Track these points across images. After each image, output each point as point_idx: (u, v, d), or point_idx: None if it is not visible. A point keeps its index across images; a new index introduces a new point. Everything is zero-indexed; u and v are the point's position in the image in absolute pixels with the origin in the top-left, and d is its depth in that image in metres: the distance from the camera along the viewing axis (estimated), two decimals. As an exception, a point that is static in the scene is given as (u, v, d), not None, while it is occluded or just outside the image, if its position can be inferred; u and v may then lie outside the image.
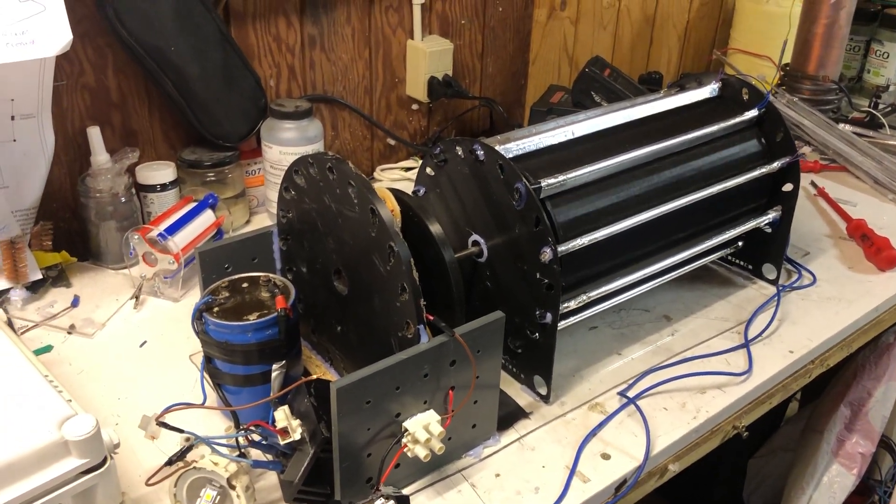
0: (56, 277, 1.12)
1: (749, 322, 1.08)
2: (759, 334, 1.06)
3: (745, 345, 1.04)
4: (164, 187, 1.20)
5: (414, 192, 1.00)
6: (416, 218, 0.87)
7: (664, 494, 1.83)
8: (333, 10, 1.33)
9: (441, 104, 1.54)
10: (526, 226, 0.87)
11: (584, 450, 0.87)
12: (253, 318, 0.82)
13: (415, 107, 1.52)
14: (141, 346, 1.02)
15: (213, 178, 1.23)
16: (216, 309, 0.84)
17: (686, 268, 1.10)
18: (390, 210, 0.81)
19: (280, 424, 0.75)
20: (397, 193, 0.87)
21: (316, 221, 0.87)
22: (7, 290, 1.06)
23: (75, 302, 1.08)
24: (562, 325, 0.97)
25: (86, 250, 1.18)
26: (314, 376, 0.75)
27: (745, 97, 1.10)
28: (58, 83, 1.09)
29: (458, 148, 0.93)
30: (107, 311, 1.07)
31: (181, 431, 0.74)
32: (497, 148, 0.90)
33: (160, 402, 0.81)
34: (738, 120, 1.07)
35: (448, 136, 1.47)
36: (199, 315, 0.84)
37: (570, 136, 0.99)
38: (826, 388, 1.40)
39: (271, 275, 0.88)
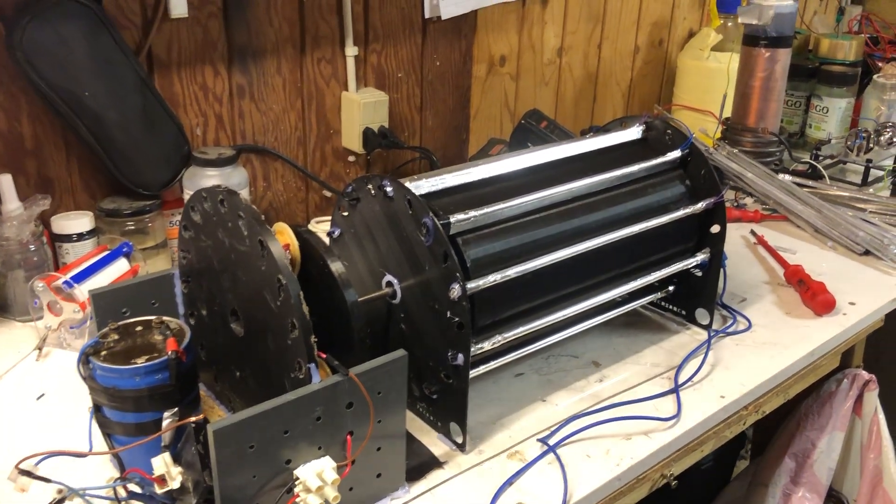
0: (-43, 329, 1.06)
1: (680, 367, 1.05)
2: (689, 379, 1.02)
3: (675, 390, 1.00)
4: (80, 237, 1.16)
5: (329, 234, 0.97)
6: (318, 258, 0.84)
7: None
8: (263, 61, 1.33)
9: (380, 156, 1.53)
10: (435, 262, 0.84)
11: (498, 500, 0.82)
12: (141, 362, 0.78)
13: (351, 158, 1.50)
14: (38, 398, 0.96)
15: (132, 228, 1.19)
16: (104, 352, 0.79)
17: (614, 312, 1.07)
18: (285, 245, 0.78)
19: (158, 472, 0.69)
20: (299, 231, 0.84)
21: (212, 259, 0.83)
22: None
23: (-27, 354, 1.03)
24: (482, 370, 0.94)
25: (-7, 302, 1.13)
26: (194, 418, 0.70)
27: (669, 139, 1.10)
28: (-34, 128, 1.07)
29: (369, 185, 0.90)
30: (6, 363, 1.02)
31: (48, 481, 0.69)
32: (407, 185, 0.88)
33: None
34: (660, 160, 1.06)
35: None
36: (85, 359, 0.79)
37: (487, 176, 0.97)
38: (771, 439, 1.36)
39: (166, 317, 0.83)
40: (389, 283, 0.91)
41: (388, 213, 0.89)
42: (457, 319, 0.83)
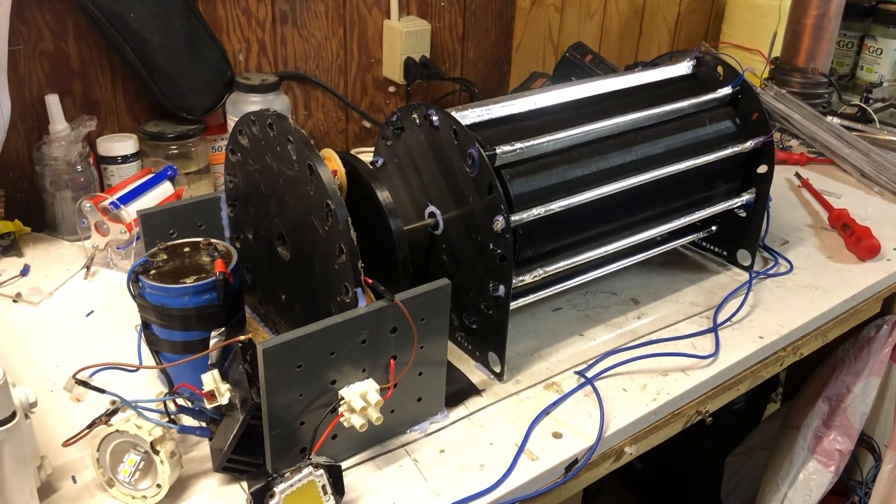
0: (7, 247, 1.09)
1: (719, 307, 1.04)
2: (728, 319, 1.02)
3: (713, 329, 1.00)
4: (125, 159, 1.17)
5: (372, 164, 0.97)
6: (365, 185, 0.84)
7: (639, 492, 1.79)
8: (306, -14, 1.31)
9: (419, 87, 1.52)
10: (479, 194, 0.83)
11: (535, 428, 0.83)
12: (190, 282, 0.79)
13: (391, 89, 1.49)
14: (87, 315, 0.98)
15: (175, 152, 1.20)
16: (153, 271, 0.81)
17: (655, 250, 1.07)
18: (333, 171, 0.78)
19: (207, 388, 0.71)
20: (346, 157, 0.84)
21: (259, 183, 0.84)
22: (-46, 258, 1.04)
23: (25, 271, 1.05)
24: (522, 303, 0.94)
25: (42, 221, 1.15)
26: (242, 337, 0.72)
27: (720, 75, 1.07)
28: (14, 48, 1.07)
29: (413, 114, 0.90)
30: (56, 281, 1.04)
31: (103, 392, 0.71)
32: (453, 114, 0.87)
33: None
34: (710, 97, 1.04)
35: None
36: (135, 277, 0.81)
37: (533, 108, 0.96)
38: (804, 383, 1.36)
39: (213, 239, 0.84)
40: (432, 214, 0.91)
41: (432, 143, 0.88)
42: (499, 251, 0.83)
